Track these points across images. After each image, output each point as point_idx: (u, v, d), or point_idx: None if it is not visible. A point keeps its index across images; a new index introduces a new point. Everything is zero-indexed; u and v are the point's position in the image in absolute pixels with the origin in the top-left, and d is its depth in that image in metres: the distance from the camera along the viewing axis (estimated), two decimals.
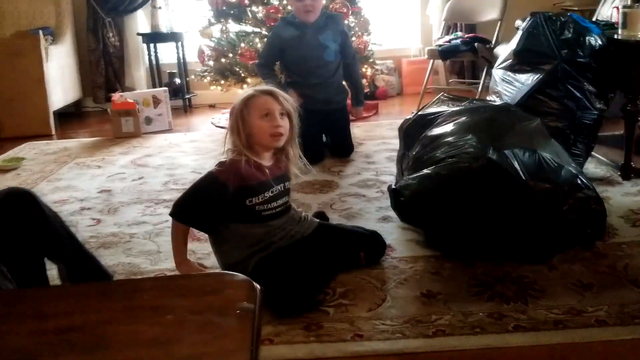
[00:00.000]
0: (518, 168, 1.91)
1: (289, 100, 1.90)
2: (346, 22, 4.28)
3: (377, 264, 2.05)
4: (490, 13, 4.45)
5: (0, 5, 5.02)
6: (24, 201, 1.62)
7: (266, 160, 1.90)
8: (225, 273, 0.93)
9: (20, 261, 1.60)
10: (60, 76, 4.78)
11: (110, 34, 5.14)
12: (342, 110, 3.46)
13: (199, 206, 1.86)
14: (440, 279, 1.94)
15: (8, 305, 0.92)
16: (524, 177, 1.90)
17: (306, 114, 3.31)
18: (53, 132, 4.52)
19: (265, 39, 4.20)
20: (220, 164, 1.84)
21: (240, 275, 0.91)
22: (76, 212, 2.77)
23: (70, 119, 5.02)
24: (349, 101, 3.60)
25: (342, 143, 3.43)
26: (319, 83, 3.33)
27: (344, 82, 3.53)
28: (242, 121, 1.82)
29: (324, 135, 3.49)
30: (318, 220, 2.09)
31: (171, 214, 1.90)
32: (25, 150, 4.05)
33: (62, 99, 4.83)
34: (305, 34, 3.25)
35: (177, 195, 2.21)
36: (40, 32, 4.59)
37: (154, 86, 5.04)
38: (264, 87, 1.93)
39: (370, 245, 2.04)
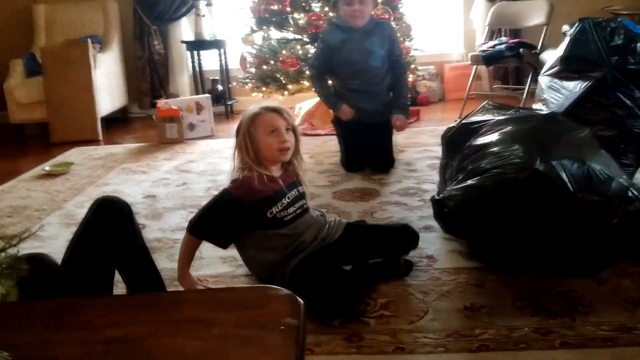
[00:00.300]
0: (566, 180, 1.86)
1: (291, 115, 1.99)
2: None
3: (414, 267, 2.06)
4: (536, 18, 4.36)
5: (51, 15, 5.19)
6: (120, 212, 1.66)
7: (276, 172, 1.97)
8: (269, 287, 0.93)
9: (96, 267, 1.65)
10: (107, 83, 4.90)
11: (156, 42, 5.24)
12: (385, 124, 3.35)
13: (215, 223, 1.93)
14: (484, 291, 1.90)
15: (60, 315, 0.94)
16: (572, 189, 1.85)
17: (348, 122, 3.35)
18: (100, 137, 4.64)
19: (315, 46, 4.24)
20: (234, 181, 1.91)
21: (284, 290, 0.91)
22: None
23: (117, 124, 5.15)
24: None
25: (383, 158, 3.33)
26: (364, 91, 3.27)
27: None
28: (250, 139, 1.90)
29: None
30: (346, 220, 2.11)
31: (188, 230, 1.96)
32: (73, 155, 4.16)
33: (109, 105, 4.95)
34: (351, 38, 3.21)
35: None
36: (89, 40, 4.72)
37: (197, 93, 5.12)
38: (269, 104, 2.02)
39: (401, 237, 2.05)
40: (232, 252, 2.22)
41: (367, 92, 3.28)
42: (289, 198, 1.93)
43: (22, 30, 5.26)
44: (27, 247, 2.43)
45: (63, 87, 4.57)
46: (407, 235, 2.05)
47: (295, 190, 1.97)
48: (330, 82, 3.45)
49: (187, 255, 1.96)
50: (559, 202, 1.87)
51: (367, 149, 3.35)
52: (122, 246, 1.67)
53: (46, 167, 3.73)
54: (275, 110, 1.95)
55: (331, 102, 3.39)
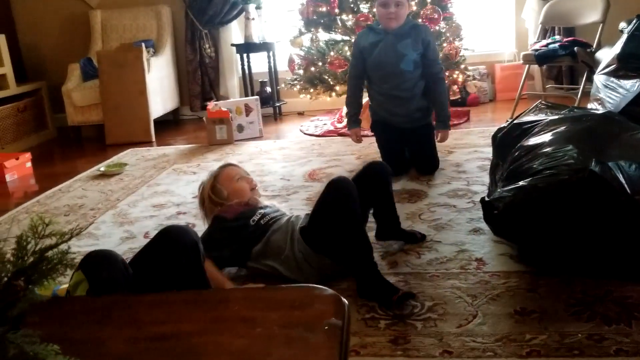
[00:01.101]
0: (623, 182, 1.79)
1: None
2: (437, 28, 4.22)
3: (462, 270, 2.00)
4: (591, 15, 4.22)
5: (107, 20, 5.36)
6: (183, 246, 1.69)
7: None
8: (314, 287, 0.93)
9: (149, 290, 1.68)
10: (160, 86, 5.03)
11: (207, 45, 5.34)
12: (425, 127, 3.28)
13: (211, 241, 2.09)
14: (535, 296, 1.85)
15: (109, 311, 0.97)
16: (629, 192, 1.77)
17: (384, 127, 3.30)
18: (153, 139, 4.75)
19: None
20: (218, 210, 2.24)
21: (329, 290, 0.91)
22: (173, 217, 2.89)
23: (169, 126, 5.26)
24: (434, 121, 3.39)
25: (426, 161, 3.26)
26: (395, 95, 3.22)
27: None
28: (216, 194, 2.28)
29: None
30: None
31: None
32: (128, 156, 4.28)
33: (162, 107, 5.07)
34: (384, 40, 3.16)
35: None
36: (143, 44, 4.85)
37: (246, 95, 5.19)
38: (221, 164, 2.45)
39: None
40: None
41: (399, 97, 3.22)
42: (263, 209, 2.23)
43: (80, 36, 5.45)
44: (82, 245, 2.52)
45: (118, 90, 4.71)
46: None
47: (260, 209, 2.23)
48: (364, 91, 3.41)
49: (214, 274, 1.98)
50: (614, 205, 1.80)
51: (409, 154, 3.30)
52: (180, 279, 1.68)
53: (101, 167, 3.85)
54: (229, 165, 2.43)
55: (349, 116, 3.42)
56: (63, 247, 0.81)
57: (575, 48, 4.07)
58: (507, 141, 2.31)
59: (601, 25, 4.14)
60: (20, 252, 0.80)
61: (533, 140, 2.08)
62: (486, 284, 1.95)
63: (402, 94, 3.20)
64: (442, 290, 1.93)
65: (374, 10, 4.23)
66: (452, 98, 5.03)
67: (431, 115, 3.37)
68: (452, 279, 2.00)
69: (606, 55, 3.39)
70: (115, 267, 1.57)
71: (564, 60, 4.24)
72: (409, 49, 3.13)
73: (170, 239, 1.70)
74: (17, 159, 3.98)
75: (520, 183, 1.88)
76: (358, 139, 3.45)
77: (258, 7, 5.08)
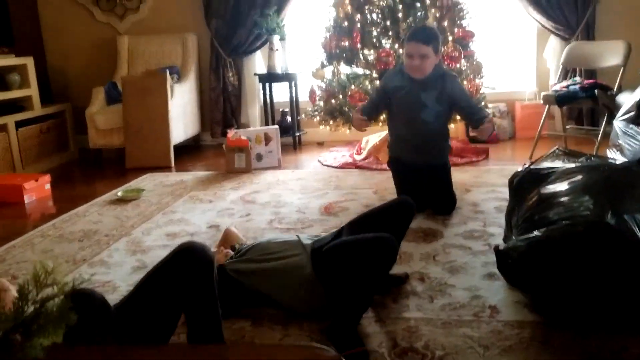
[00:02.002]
0: (639, 235, 1.76)
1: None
2: (458, 65, 4.24)
3: (474, 317, 1.97)
4: (612, 59, 4.21)
5: (134, 46, 5.47)
6: (199, 264, 1.71)
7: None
8: (316, 347, 0.92)
9: (163, 308, 1.69)
10: (182, 112, 5.09)
11: (230, 74, 5.41)
12: (442, 167, 3.28)
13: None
14: (549, 349, 1.82)
15: None
16: None
17: (401, 164, 3.28)
18: (172, 164, 4.80)
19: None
20: None
21: (331, 351, 0.90)
22: None
23: (189, 152, 5.32)
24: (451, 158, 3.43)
25: (443, 201, 3.23)
26: (414, 144, 3.20)
27: (448, 143, 3.36)
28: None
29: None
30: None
31: None
32: (146, 181, 4.32)
33: (183, 133, 5.14)
34: (409, 86, 3.13)
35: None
36: (167, 71, 4.93)
37: (266, 123, 5.24)
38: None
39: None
40: None
41: (417, 145, 3.20)
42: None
43: (106, 60, 5.57)
44: (94, 273, 2.53)
45: (140, 115, 4.78)
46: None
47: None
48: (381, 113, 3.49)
49: None
50: (630, 259, 1.78)
51: (426, 191, 3.23)
52: (193, 295, 1.70)
53: (119, 192, 3.89)
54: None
55: (361, 107, 3.36)
56: (65, 303, 0.80)
57: (596, 91, 4.05)
58: (523, 186, 2.29)
59: (622, 68, 4.13)
60: (20, 302, 0.80)
61: (549, 189, 2.06)
62: (499, 333, 1.93)
63: (421, 143, 3.20)
64: (454, 338, 1.91)
65: (396, 46, 4.29)
66: (471, 135, 5.05)
67: (448, 155, 3.37)
68: (465, 327, 1.98)
69: (627, 99, 3.37)
70: (92, 307, 1.57)
71: (584, 102, 4.22)
72: (431, 100, 3.09)
73: (192, 255, 1.71)
74: (37, 180, 4.04)
75: (535, 233, 1.87)
76: (360, 124, 3.32)
77: (282, 39, 5.16)
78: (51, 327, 0.79)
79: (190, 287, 1.68)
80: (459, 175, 3.93)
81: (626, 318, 1.86)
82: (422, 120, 3.11)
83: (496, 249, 1.95)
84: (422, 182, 3.26)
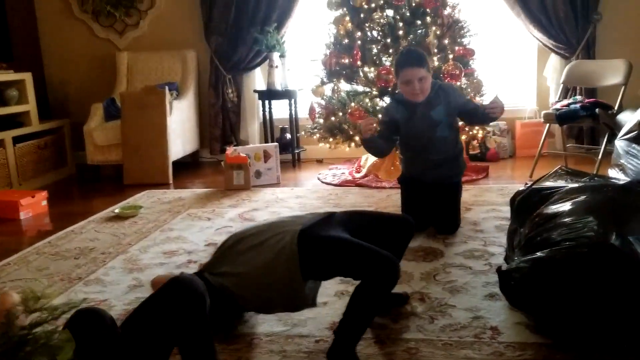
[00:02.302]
0: None
1: None
2: (458, 83, 4.23)
3: (474, 338, 1.92)
4: (613, 78, 4.21)
5: (133, 62, 5.47)
6: (192, 300, 1.67)
7: None
8: None
9: (156, 339, 1.65)
10: (181, 129, 5.08)
11: (230, 90, 5.41)
12: (454, 185, 3.24)
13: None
14: None
15: None
16: None
17: (413, 183, 3.24)
18: (170, 181, 4.77)
19: (383, 100, 4.26)
20: None
21: None
22: (183, 265, 2.86)
23: (187, 168, 5.29)
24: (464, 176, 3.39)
25: (448, 221, 3.19)
26: (432, 159, 3.15)
27: (463, 156, 3.35)
28: None
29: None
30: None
31: None
32: (144, 198, 4.29)
33: (181, 149, 5.11)
34: (415, 112, 3.09)
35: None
36: (167, 87, 4.92)
37: (266, 140, 5.22)
38: None
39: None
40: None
41: (434, 160, 3.15)
42: None
43: (106, 76, 5.57)
44: (89, 292, 2.50)
45: (139, 131, 4.76)
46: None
47: None
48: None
49: None
50: (635, 281, 1.74)
51: (432, 211, 3.20)
52: (186, 331, 1.66)
53: (116, 209, 3.85)
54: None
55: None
56: (51, 326, 0.77)
57: (597, 110, 4.04)
58: (525, 206, 2.26)
59: (623, 87, 4.12)
60: (7, 328, 0.77)
61: (552, 209, 2.03)
62: (500, 355, 1.88)
63: (437, 157, 3.15)
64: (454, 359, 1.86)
65: None
66: (471, 152, 5.03)
67: (462, 174, 3.34)
68: (466, 349, 1.94)
69: (628, 119, 3.35)
70: (102, 327, 1.54)
71: (584, 121, 4.20)
72: (442, 115, 3.08)
73: (182, 289, 1.67)
74: (33, 196, 4.01)
75: (538, 254, 1.83)
76: (368, 128, 3.02)
77: (282, 56, 5.15)
78: (39, 355, 0.76)
79: (181, 322, 1.65)
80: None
81: (630, 340, 1.82)
82: (440, 137, 3.10)
83: (499, 270, 1.92)
84: (431, 201, 3.21)
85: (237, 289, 1.92)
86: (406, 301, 2.30)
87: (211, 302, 1.76)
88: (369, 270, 1.84)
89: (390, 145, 3.28)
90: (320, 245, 1.93)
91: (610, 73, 4.23)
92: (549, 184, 2.27)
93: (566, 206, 2.00)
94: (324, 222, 2.07)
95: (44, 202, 4.09)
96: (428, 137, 3.11)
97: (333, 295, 2.39)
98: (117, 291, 2.57)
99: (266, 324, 2.17)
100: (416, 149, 3.20)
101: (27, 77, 4.97)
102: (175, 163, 4.93)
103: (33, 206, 3.99)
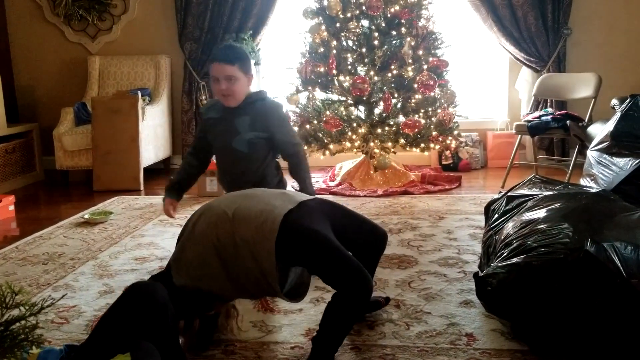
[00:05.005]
0: (618, 263, 1.75)
1: None
2: (432, 94, 4.27)
3: (451, 345, 1.92)
4: (584, 91, 4.29)
5: (105, 67, 5.38)
6: (151, 304, 1.66)
7: None
8: None
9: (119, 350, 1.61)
10: (153, 134, 5.01)
11: (203, 97, 5.36)
12: None
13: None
14: None
15: None
16: (624, 274, 1.74)
17: None
18: (142, 187, 4.69)
19: (358, 109, 4.24)
20: None
21: None
22: (154, 271, 2.79)
23: (159, 174, 5.22)
24: None
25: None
26: (232, 179, 2.70)
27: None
28: None
29: None
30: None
31: None
32: (114, 204, 4.21)
33: (153, 156, 5.04)
34: (223, 116, 2.66)
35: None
36: (139, 92, 4.86)
37: None
38: None
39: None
40: (263, 317, 2.18)
41: (236, 180, 2.67)
42: None
43: (77, 80, 5.47)
44: (57, 297, 2.42)
45: (110, 137, 4.68)
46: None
47: None
48: (198, 163, 2.82)
49: None
50: (609, 287, 1.76)
51: None
52: (147, 337, 1.63)
53: (85, 215, 3.77)
54: None
55: (166, 187, 2.84)
56: (31, 321, 0.74)
57: (568, 122, 4.11)
58: (500, 213, 2.28)
59: (593, 100, 4.21)
60: None
61: (528, 215, 2.05)
62: None
63: (237, 176, 2.68)
64: None
65: (371, 73, 4.31)
66: (444, 163, 5.08)
67: None
68: (442, 355, 1.93)
69: (598, 130, 3.42)
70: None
71: (556, 132, 4.28)
72: (244, 127, 2.60)
73: (139, 298, 1.64)
74: (0, 201, 3.90)
75: (514, 260, 1.85)
76: (167, 211, 2.78)
77: (257, 64, 5.14)
78: (17, 351, 0.72)
79: (142, 331, 1.62)
80: (432, 203, 3.93)
81: (604, 347, 1.84)
82: (234, 149, 2.62)
83: (475, 276, 1.92)
84: None
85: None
86: (383, 305, 2.29)
87: (178, 301, 1.73)
88: (341, 284, 1.83)
89: (198, 170, 2.84)
90: (301, 236, 1.89)
91: (581, 86, 4.32)
92: (523, 191, 2.30)
93: (541, 213, 2.02)
94: (311, 209, 2.02)
95: (11, 207, 3.98)
96: (224, 145, 2.67)
97: (308, 302, 2.36)
98: (87, 297, 2.50)
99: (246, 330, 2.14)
100: (218, 160, 2.78)
101: None
102: (146, 169, 4.85)
103: (0, 211, 3.89)
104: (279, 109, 2.73)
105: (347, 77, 4.35)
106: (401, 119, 4.37)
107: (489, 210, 2.44)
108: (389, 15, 4.35)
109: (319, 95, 4.58)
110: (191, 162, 2.80)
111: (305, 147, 4.53)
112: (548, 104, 4.86)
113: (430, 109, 4.37)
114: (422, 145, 4.33)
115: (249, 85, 2.64)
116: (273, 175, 2.76)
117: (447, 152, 4.78)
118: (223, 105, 2.65)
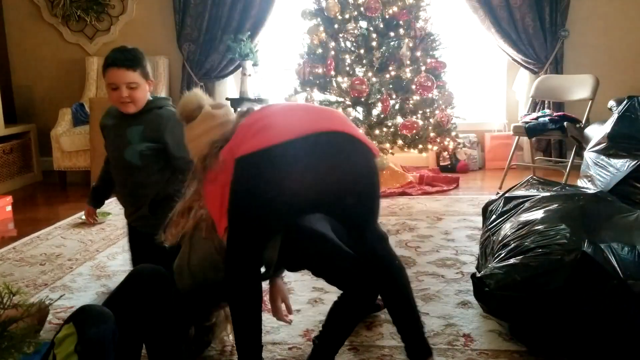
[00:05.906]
0: (615, 264, 1.76)
1: None
2: (430, 95, 4.27)
3: (448, 345, 1.92)
4: (581, 92, 4.30)
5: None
6: (153, 289, 1.67)
7: None
8: None
9: (121, 337, 1.61)
10: None
11: None
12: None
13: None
14: None
15: None
16: (621, 275, 1.74)
17: (131, 231, 2.57)
18: None
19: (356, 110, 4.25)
20: None
21: None
22: None
23: None
24: None
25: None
26: (124, 192, 2.47)
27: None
28: None
29: None
30: None
31: None
32: (112, 204, 4.18)
33: None
34: (117, 123, 2.42)
35: None
36: None
37: None
38: None
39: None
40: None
41: (128, 195, 2.46)
42: None
43: (75, 81, 5.47)
44: (55, 298, 2.42)
45: None
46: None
47: None
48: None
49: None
50: (606, 288, 1.77)
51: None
52: (149, 323, 1.64)
53: (83, 215, 3.76)
54: None
55: (91, 190, 2.71)
56: (30, 324, 0.74)
57: (565, 123, 4.12)
58: (498, 214, 2.28)
59: (590, 102, 4.22)
60: None
61: (525, 216, 2.06)
62: None
63: (129, 191, 2.44)
64: None
65: (369, 74, 4.31)
66: (442, 164, 5.09)
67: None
68: (439, 356, 1.94)
69: (595, 132, 3.43)
70: (107, 325, 1.50)
71: (553, 134, 4.29)
72: (135, 137, 2.35)
73: (139, 278, 1.65)
74: None
75: (512, 261, 1.85)
76: (87, 219, 2.73)
77: (255, 64, 5.14)
78: (15, 351, 0.73)
79: (144, 315, 1.62)
80: (430, 204, 3.94)
81: (601, 347, 1.84)
82: (125, 161, 2.36)
83: (473, 277, 1.93)
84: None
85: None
86: (382, 308, 2.30)
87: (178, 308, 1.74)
88: (348, 284, 1.82)
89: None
90: (302, 239, 1.87)
91: (578, 88, 4.33)
92: (521, 192, 2.30)
93: (539, 214, 2.03)
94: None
95: (9, 208, 3.98)
96: (116, 154, 2.43)
97: (306, 303, 2.37)
98: (85, 298, 2.51)
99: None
100: (118, 177, 2.49)
101: None
102: None
103: None
104: (175, 119, 2.19)
105: (345, 78, 4.35)
106: (399, 120, 4.37)
107: (486, 211, 2.44)
108: (387, 16, 4.36)
109: (317, 96, 4.58)
110: (106, 169, 2.59)
111: None
112: (545, 105, 4.86)
113: (428, 110, 4.37)
114: (420, 146, 4.34)
115: (150, 91, 2.41)
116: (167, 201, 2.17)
117: (445, 153, 4.79)
118: (119, 111, 2.38)
